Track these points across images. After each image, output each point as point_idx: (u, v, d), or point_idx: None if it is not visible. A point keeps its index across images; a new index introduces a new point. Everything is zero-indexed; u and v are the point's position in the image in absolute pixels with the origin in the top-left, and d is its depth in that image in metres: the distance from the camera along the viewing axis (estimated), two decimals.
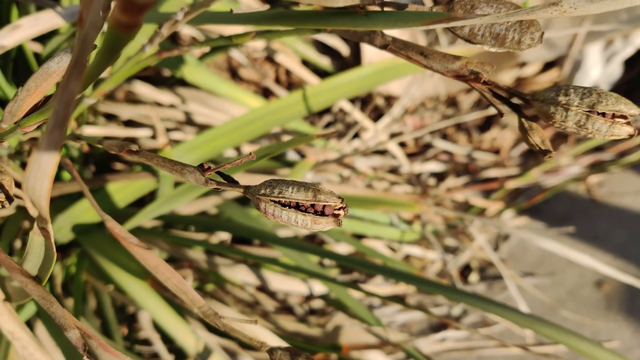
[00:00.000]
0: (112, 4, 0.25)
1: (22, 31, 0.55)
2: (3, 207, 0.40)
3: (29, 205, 0.28)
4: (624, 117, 0.31)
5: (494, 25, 0.31)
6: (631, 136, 0.30)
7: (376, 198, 0.92)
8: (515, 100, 0.34)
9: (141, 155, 0.34)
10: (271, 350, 0.35)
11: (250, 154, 0.30)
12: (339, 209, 0.29)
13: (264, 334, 0.59)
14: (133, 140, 1.02)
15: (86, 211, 0.80)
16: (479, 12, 0.31)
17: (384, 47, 0.35)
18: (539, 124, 0.35)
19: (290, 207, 0.29)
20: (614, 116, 0.30)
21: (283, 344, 0.62)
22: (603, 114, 0.30)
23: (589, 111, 0.30)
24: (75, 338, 0.38)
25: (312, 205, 0.29)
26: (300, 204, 0.29)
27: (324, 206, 0.29)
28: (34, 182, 0.25)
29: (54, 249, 0.37)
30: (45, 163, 0.24)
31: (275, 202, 0.29)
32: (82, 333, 0.41)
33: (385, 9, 0.33)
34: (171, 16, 0.42)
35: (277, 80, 1.23)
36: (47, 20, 0.56)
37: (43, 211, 0.28)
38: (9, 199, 0.38)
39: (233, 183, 0.31)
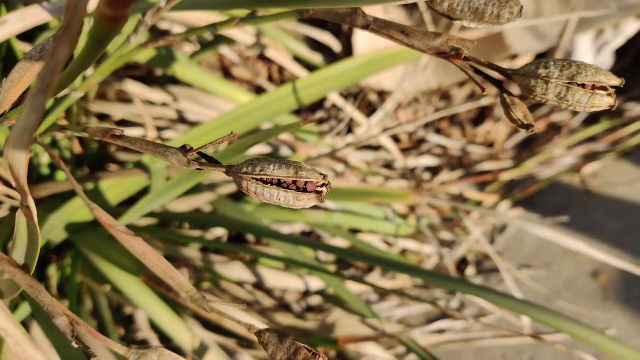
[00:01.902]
0: None
1: (9, 26, 0.55)
2: None
3: (9, 175, 0.28)
4: (604, 88, 0.31)
5: (472, 0, 0.31)
6: (611, 107, 0.31)
7: (369, 190, 0.92)
8: (496, 76, 0.34)
9: (125, 140, 0.34)
10: (259, 333, 0.35)
11: (232, 133, 0.30)
12: (322, 185, 0.29)
13: (253, 322, 0.59)
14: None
15: (79, 209, 0.79)
16: None
17: (365, 27, 0.35)
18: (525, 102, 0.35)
19: (272, 184, 0.29)
20: (593, 87, 0.30)
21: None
22: (583, 86, 0.30)
23: (568, 83, 0.30)
24: (63, 324, 0.38)
25: (294, 182, 0.29)
26: (282, 181, 0.29)
27: (306, 183, 0.29)
28: (14, 146, 0.25)
29: (38, 231, 0.37)
30: (25, 127, 0.23)
31: (257, 179, 0.29)
32: (71, 320, 0.41)
33: None
34: (154, 5, 0.42)
35: (270, 79, 1.23)
36: (33, 15, 0.56)
37: (21, 180, 0.28)
38: None
39: (215, 163, 0.31)
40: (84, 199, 0.40)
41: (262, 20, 0.41)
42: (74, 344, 0.36)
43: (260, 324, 0.76)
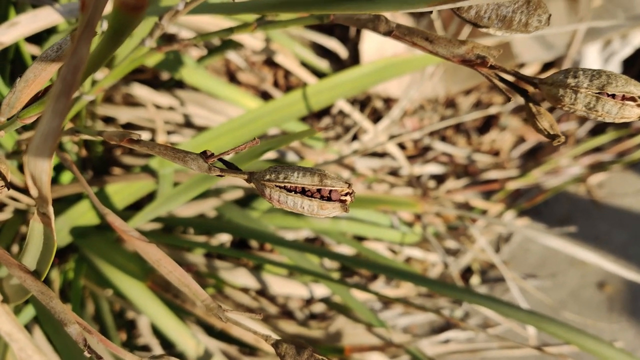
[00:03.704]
0: None
1: (20, 28, 0.54)
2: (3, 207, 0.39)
3: (29, 183, 0.27)
4: (634, 99, 0.30)
5: (500, 8, 0.30)
6: None
7: (377, 198, 0.92)
8: (522, 85, 0.33)
9: (142, 144, 0.33)
10: (276, 344, 0.34)
11: (255, 139, 0.29)
12: (346, 194, 0.29)
13: (266, 333, 0.58)
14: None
15: (85, 213, 0.79)
16: None
17: (388, 33, 0.35)
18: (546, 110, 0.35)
19: (295, 192, 0.28)
20: (623, 98, 0.30)
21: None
22: (613, 96, 0.30)
23: (598, 93, 0.30)
24: (75, 333, 0.37)
25: (319, 190, 0.28)
26: (306, 189, 0.28)
27: (331, 191, 0.28)
28: (36, 154, 0.24)
29: (55, 237, 0.36)
30: (49, 133, 0.22)
31: (280, 187, 0.29)
32: (83, 328, 0.40)
33: None
34: (171, 8, 0.42)
35: (276, 84, 1.23)
36: (45, 17, 0.55)
37: (44, 188, 0.27)
38: (6, 185, 0.37)
39: (236, 170, 0.31)
40: (97, 205, 0.39)
41: (281, 25, 0.40)
42: (87, 354, 0.35)
43: (265, 331, 0.75)
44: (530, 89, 0.33)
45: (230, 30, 0.43)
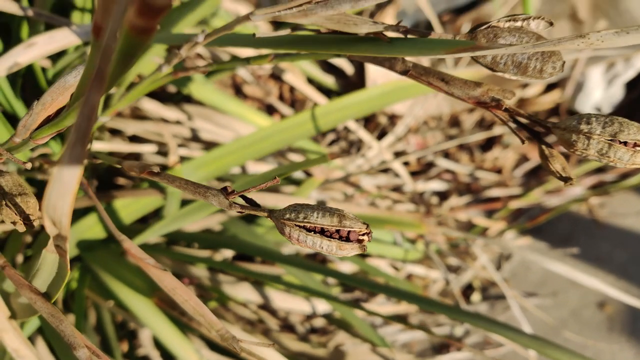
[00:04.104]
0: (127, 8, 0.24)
1: (37, 49, 0.55)
2: (21, 230, 0.39)
3: (48, 224, 0.28)
4: None
5: (516, 54, 0.31)
6: None
7: (382, 217, 0.92)
8: (535, 128, 0.34)
9: (162, 177, 0.34)
10: None
11: (275, 177, 0.30)
12: (364, 234, 0.29)
13: (276, 358, 0.59)
14: (137, 155, 1.02)
15: (91, 227, 0.79)
16: (502, 41, 0.31)
17: (404, 72, 0.36)
18: (558, 149, 0.35)
19: (315, 232, 0.29)
20: (635, 145, 0.31)
21: None
22: (625, 143, 0.30)
23: (611, 140, 0.30)
24: (84, 358, 0.38)
25: (337, 231, 0.29)
26: (325, 229, 0.29)
27: (349, 232, 0.29)
28: (56, 199, 0.25)
29: (68, 268, 0.37)
30: (67, 179, 0.23)
31: (300, 227, 0.29)
32: (92, 352, 0.41)
33: (409, 36, 0.33)
34: (190, 37, 0.42)
35: (281, 98, 1.24)
36: (62, 38, 0.56)
37: (64, 230, 0.28)
38: (29, 224, 0.37)
39: (256, 207, 0.32)
40: (113, 230, 0.40)
41: (297, 58, 0.41)
42: None
43: (276, 354, 0.75)
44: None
45: (247, 60, 0.44)
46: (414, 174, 1.27)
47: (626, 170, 1.19)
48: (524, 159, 1.32)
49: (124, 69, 0.30)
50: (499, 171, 1.33)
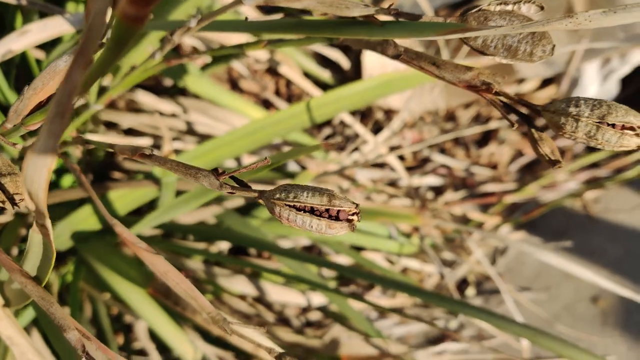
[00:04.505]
0: None
1: (31, 36, 0.55)
2: (3, 210, 0.39)
3: (26, 198, 0.28)
4: (632, 129, 0.31)
5: (506, 37, 0.32)
6: (639, 147, 0.31)
7: (377, 210, 0.92)
8: (525, 111, 0.34)
9: (154, 159, 0.34)
10: (279, 356, 0.35)
11: (266, 158, 0.30)
12: (353, 214, 0.30)
13: (268, 344, 0.59)
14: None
15: (86, 218, 0.79)
16: (492, 24, 0.31)
17: (396, 57, 0.36)
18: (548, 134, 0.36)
19: (305, 211, 0.29)
20: (623, 127, 0.31)
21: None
22: (613, 125, 0.31)
23: (599, 122, 0.31)
24: (74, 339, 0.38)
25: (327, 210, 0.29)
26: (314, 209, 0.29)
27: (338, 211, 0.29)
28: (33, 172, 0.25)
29: (53, 248, 0.37)
30: (44, 153, 0.23)
31: (290, 206, 0.29)
32: (82, 334, 0.41)
33: (400, 19, 0.33)
34: (183, 23, 0.42)
35: (277, 93, 1.24)
36: (55, 26, 0.56)
37: (40, 204, 0.28)
38: (12, 202, 0.37)
39: (247, 188, 0.32)
40: (105, 215, 0.40)
41: (291, 43, 0.41)
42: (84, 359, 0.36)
43: (262, 338, 0.76)
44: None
45: (240, 46, 0.44)
46: (410, 169, 1.27)
47: (620, 166, 1.20)
48: (519, 154, 1.32)
49: (116, 57, 0.30)
50: (494, 167, 1.33)
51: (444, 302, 0.71)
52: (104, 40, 0.45)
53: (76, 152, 0.94)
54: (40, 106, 0.42)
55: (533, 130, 0.34)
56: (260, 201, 0.31)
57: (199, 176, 0.32)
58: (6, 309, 0.56)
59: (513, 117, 0.64)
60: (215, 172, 0.31)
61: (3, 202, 0.35)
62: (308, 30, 0.36)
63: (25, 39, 0.56)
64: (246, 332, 0.56)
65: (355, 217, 0.30)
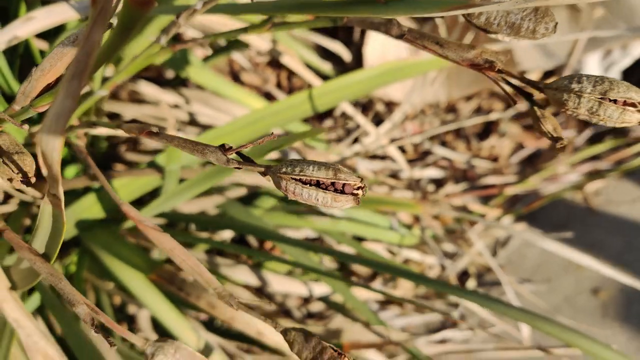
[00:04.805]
0: None
1: (36, 22, 0.56)
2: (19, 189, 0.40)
3: (41, 161, 0.28)
4: (634, 105, 0.32)
5: (509, 15, 0.32)
6: None
7: (378, 198, 0.93)
8: (527, 89, 0.35)
9: (161, 137, 0.34)
10: (285, 331, 0.35)
11: (272, 133, 0.31)
12: (358, 188, 0.30)
13: (269, 328, 0.59)
14: (135, 139, 1.03)
15: (90, 207, 0.80)
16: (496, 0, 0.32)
17: (400, 36, 0.36)
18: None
19: (310, 184, 0.30)
20: (625, 103, 0.31)
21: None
22: (615, 101, 0.31)
23: (601, 98, 0.31)
24: (83, 313, 0.38)
25: (332, 184, 0.30)
26: (320, 182, 0.30)
27: (344, 185, 0.30)
28: (48, 132, 0.25)
29: (64, 218, 0.37)
30: (61, 112, 0.23)
31: (296, 180, 0.30)
32: (91, 309, 0.41)
33: None
34: (188, 7, 0.43)
35: (279, 85, 1.24)
36: (60, 12, 0.57)
37: (54, 167, 0.28)
38: (27, 181, 0.38)
39: (252, 163, 0.32)
40: (112, 195, 0.40)
41: (295, 26, 0.42)
42: (94, 332, 0.37)
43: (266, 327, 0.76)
44: (536, 93, 0.34)
45: (244, 30, 0.44)
46: (411, 162, 1.28)
47: (621, 158, 1.20)
48: (520, 146, 1.32)
49: (122, 41, 0.31)
50: (495, 159, 1.33)
51: (445, 288, 0.71)
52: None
53: (80, 143, 0.95)
54: (48, 88, 0.43)
55: (536, 108, 0.34)
56: (267, 178, 0.32)
57: (207, 152, 0.32)
58: (12, 292, 0.56)
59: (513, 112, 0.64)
60: (222, 147, 0.32)
61: (11, 179, 0.35)
62: (313, 10, 0.36)
63: (31, 25, 0.56)
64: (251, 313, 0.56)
65: (360, 192, 0.30)
